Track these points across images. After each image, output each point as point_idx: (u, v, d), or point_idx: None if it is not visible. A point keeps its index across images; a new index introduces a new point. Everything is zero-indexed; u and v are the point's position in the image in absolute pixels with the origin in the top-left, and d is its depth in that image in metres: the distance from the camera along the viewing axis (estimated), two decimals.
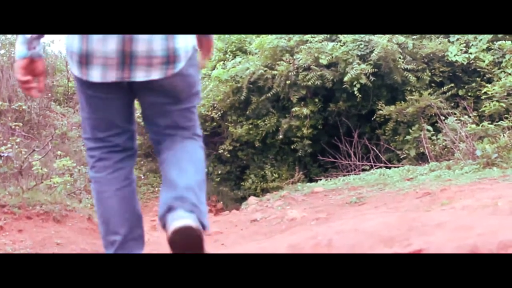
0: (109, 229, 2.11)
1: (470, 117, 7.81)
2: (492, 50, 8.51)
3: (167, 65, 1.99)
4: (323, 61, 8.59)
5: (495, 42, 8.43)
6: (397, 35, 8.62)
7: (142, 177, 10.56)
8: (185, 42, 2.02)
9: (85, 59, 1.95)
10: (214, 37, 2.36)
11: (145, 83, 2.00)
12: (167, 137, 2.17)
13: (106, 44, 1.92)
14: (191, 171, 2.08)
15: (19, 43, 2.03)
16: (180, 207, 1.96)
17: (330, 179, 8.27)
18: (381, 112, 8.68)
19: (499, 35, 8.47)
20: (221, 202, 9.34)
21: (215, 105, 9.63)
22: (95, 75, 1.97)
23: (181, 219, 1.91)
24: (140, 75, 1.97)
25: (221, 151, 9.63)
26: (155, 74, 1.98)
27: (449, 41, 9.04)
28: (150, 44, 1.94)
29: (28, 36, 1.99)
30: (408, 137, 8.39)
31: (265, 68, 9.13)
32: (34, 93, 2.09)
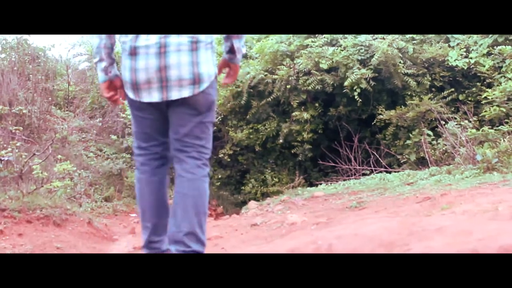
0: (145, 218, 2.85)
1: (470, 121, 7.81)
2: (492, 55, 8.52)
3: (194, 85, 2.61)
4: (324, 65, 8.59)
5: (495, 47, 8.44)
6: (397, 40, 8.62)
7: None
8: (207, 68, 2.63)
9: (135, 86, 2.62)
10: (215, 41, 2.61)
11: (177, 99, 2.63)
12: (182, 153, 2.72)
13: (148, 74, 2.57)
14: (193, 214, 2.64)
15: (99, 70, 2.73)
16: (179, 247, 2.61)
17: (330, 183, 8.27)
18: (381, 116, 8.69)
19: (499, 40, 8.48)
20: (221, 207, 9.34)
21: (216, 109, 9.62)
22: (144, 96, 2.63)
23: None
24: (174, 95, 2.60)
25: (222, 155, 9.63)
26: (185, 93, 2.60)
27: (449, 45, 9.05)
28: (179, 70, 2.56)
29: (104, 64, 2.70)
30: (408, 141, 8.39)
31: (266, 73, 9.14)
32: (119, 101, 2.86)
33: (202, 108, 2.70)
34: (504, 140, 6.56)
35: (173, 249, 2.62)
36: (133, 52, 2.56)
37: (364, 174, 8.55)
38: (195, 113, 2.68)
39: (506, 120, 7.43)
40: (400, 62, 8.51)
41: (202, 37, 2.59)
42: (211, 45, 2.67)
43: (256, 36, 10.76)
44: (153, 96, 2.61)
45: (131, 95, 2.68)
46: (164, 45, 2.53)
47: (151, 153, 2.83)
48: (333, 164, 9.13)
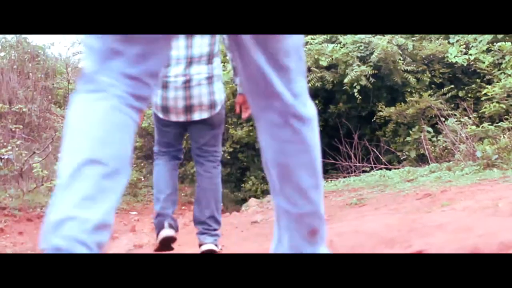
0: (159, 190, 3.54)
1: (470, 118, 7.81)
2: (492, 52, 8.52)
3: (211, 109, 3.40)
4: (323, 62, 8.59)
5: (495, 44, 8.44)
6: (397, 37, 8.62)
7: (143, 179, 10.55)
8: (220, 95, 3.42)
9: (166, 109, 3.40)
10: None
11: (197, 120, 3.43)
12: (201, 157, 3.56)
13: (177, 102, 3.35)
14: (213, 202, 3.50)
15: None
16: (207, 233, 3.40)
17: (331, 180, 8.27)
18: (381, 113, 8.69)
19: (499, 36, 8.48)
20: (221, 204, 9.33)
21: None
22: (172, 117, 3.42)
23: (208, 244, 3.36)
24: (196, 116, 3.40)
25: (222, 153, 9.62)
26: (205, 115, 3.40)
27: (449, 42, 9.04)
28: (200, 99, 3.35)
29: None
30: (408, 138, 8.39)
31: None
32: (141, 119, 3.38)
33: (216, 124, 3.51)
34: (504, 137, 6.56)
35: (200, 228, 3.42)
36: (165, 85, 3.36)
37: (364, 171, 8.55)
38: (211, 128, 3.50)
39: (506, 116, 7.43)
40: (399, 59, 8.51)
41: (215, 71, 3.39)
42: (220, 77, 3.46)
43: None
44: (179, 117, 3.40)
45: (160, 115, 3.46)
46: (188, 80, 3.33)
47: (168, 155, 3.64)
48: (333, 161, 9.12)
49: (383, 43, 8.33)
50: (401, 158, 8.49)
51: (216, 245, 3.40)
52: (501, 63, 8.38)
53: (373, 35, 8.77)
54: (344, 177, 8.43)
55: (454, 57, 8.61)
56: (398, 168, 7.80)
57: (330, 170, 9.39)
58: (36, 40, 17.73)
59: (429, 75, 8.79)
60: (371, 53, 8.50)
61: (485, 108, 7.75)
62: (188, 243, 4.10)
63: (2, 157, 5.89)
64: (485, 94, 7.94)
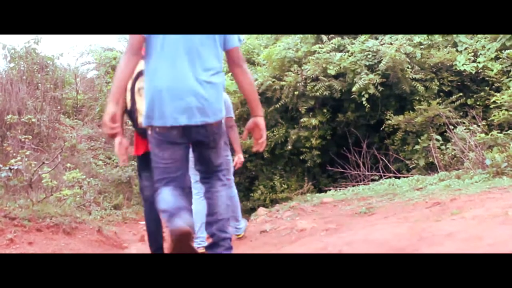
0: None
1: (479, 126, 7.79)
2: (501, 59, 8.50)
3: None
4: (331, 71, 8.59)
5: (503, 51, 8.42)
6: (405, 45, 8.61)
7: None
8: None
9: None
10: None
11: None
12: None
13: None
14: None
15: None
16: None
17: (339, 189, 8.26)
18: (389, 122, 8.68)
19: (508, 44, 8.46)
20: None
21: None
22: None
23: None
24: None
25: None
26: None
27: (457, 50, 9.03)
28: None
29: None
30: (417, 146, 8.37)
31: (273, 79, 9.15)
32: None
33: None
34: None
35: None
36: None
37: (373, 180, 8.53)
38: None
39: None
40: (408, 67, 8.50)
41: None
42: None
43: (263, 43, 10.77)
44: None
45: None
46: None
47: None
48: (342, 170, 9.11)
49: (391, 52, 8.33)
50: (410, 167, 8.47)
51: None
52: (509, 71, 8.36)
53: (381, 43, 8.77)
54: (353, 185, 8.41)
55: (463, 65, 8.60)
56: (407, 177, 7.78)
57: (339, 179, 9.39)
58: (45, 50, 17.85)
59: (438, 83, 8.78)
60: (379, 62, 8.50)
61: (494, 116, 7.72)
62: None
63: (12, 167, 5.90)
64: (494, 102, 7.91)
